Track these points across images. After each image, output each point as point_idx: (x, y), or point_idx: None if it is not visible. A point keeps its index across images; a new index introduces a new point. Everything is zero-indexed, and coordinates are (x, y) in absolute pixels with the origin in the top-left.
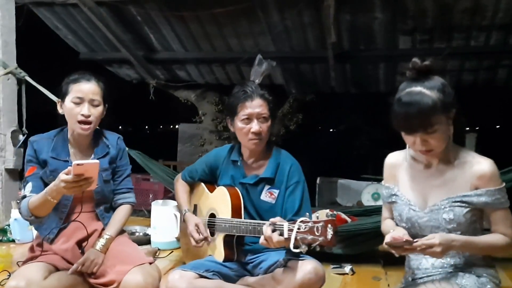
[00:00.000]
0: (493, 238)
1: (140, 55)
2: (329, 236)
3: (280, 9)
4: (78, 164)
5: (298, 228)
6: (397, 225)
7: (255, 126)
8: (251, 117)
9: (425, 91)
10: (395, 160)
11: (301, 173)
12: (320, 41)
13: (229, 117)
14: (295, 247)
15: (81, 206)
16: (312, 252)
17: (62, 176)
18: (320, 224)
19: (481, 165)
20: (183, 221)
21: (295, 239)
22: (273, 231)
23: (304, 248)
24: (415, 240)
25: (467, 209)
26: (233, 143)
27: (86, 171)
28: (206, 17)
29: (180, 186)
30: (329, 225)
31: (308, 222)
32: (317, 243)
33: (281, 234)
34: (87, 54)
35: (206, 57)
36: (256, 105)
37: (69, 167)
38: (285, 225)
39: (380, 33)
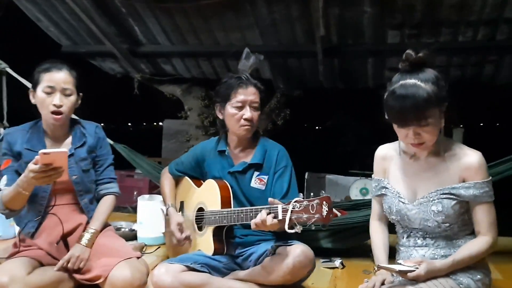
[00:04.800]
0: (476, 248)
1: (124, 48)
2: (325, 213)
3: (268, 2)
4: (44, 153)
5: (293, 208)
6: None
7: (247, 112)
8: (244, 104)
9: (420, 84)
10: (386, 152)
11: (289, 158)
12: (308, 35)
13: (219, 104)
14: (290, 228)
15: (55, 198)
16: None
17: (30, 166)
18: (315, 201)
19: (469, 157)
20: (166, 215)
21: (290, 219)
22: (267, 214)
23: (299, 228)
24: (402, 270)
25: (455, 201)
26: (220, 134)
27: (54, 161)
28: (192, 10)
29: (166, 180)
30: (324, 202)
31: (302, 201)
32: (313, 221)
33: (275, 217)
34: (70, 46)
35: (192, 50)
36: (250, 93)
37: (36, 157)
38: (279, 206)
39: (368, 27)
